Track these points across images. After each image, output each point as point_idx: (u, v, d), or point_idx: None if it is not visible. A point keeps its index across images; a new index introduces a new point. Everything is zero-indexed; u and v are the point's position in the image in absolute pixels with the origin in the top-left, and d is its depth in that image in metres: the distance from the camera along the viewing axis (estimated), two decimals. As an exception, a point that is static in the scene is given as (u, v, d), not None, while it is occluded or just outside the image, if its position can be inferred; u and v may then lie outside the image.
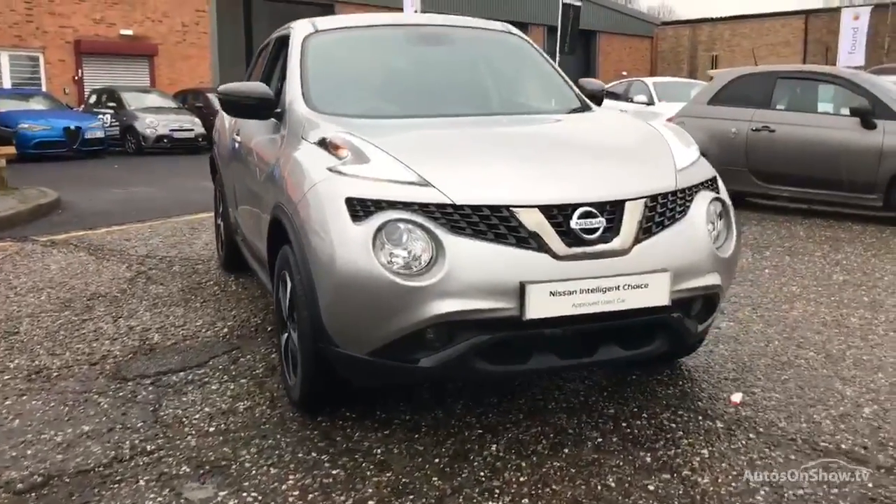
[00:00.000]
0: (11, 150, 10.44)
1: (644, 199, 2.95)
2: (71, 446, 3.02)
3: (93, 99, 20.29)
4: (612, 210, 2.88)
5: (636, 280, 2.84)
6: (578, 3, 24.13)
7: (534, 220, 2.78)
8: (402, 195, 2.82)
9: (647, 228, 2.93)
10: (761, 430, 3.12)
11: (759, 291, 5.20)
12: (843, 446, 2.97)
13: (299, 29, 4.18)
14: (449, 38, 4.30)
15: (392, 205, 2.80)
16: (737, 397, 3.43)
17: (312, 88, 3.78)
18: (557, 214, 2.82)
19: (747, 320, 4.56)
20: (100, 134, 17.84)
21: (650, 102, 14.98)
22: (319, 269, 2.88)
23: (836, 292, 5.19)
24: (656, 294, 2.87)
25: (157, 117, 18.58)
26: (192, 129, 18.95)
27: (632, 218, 2.89)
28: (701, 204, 3.11)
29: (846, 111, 8.24)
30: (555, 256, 2.77)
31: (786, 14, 42.09)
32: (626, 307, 2.84)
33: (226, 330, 4.41)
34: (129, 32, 23.63)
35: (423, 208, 2.79)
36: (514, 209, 2.79)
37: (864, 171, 7.97)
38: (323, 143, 3.17)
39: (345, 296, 2.83)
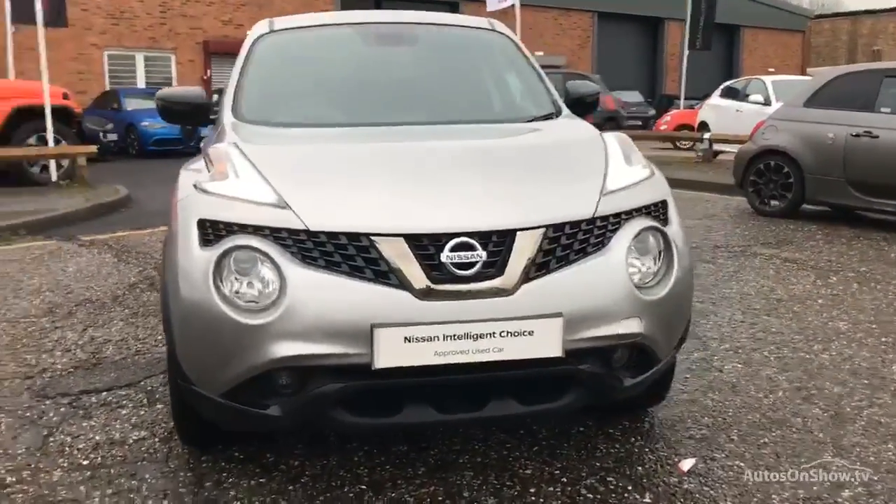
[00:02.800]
0: (92, 149, 10.84)
1: (543, 229, 2.46)
2: (-66, 473, 2.87)
3: (215, 98, 21.02)
4: (500, 241, 2.42)
5: (517, 326, 2.36)
6: (714, -6, 22.77)
7: (396, 252, 2.36)
8: (256, 218, 2.47)
9: (544, 264, 2.44)
10: (694, 511, 2.56)
11: (796, 326, 4.48)
12: (786, 544, 2.38)
13: (256, 29, 3.92)
14: (415, 37, 3.89)
15: (243, 228, 2.46)
16: (686, 464, 2.86)
17: (246, 93, 3.51)
18: (428, 245, 2.38)
19: (761, 362, 3.90)
20: (216, 132, 18.45)
21: (766, 103, 13.81)
22: (171, 296, 2.58)
23: (894, 331, 4.40)
24: (544, 343, 2.38)
25: (270, 115, 18.95)
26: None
27: (522, 251, 2.41)
28: (626, 234, 2.58)
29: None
30: (417, 295, 2.34)
31: (961, 3, 38.43)
32: (505, 357, 2.37)
33: (183, 346, 4.21)
34: (257, 33, 24.37)
35: (275, 234, 2.43)
36: (374, 238, 2.38)
37: (980, 185, 6.89)
38: (206, 155, 2.88)
39: (189, 329, 2.52)
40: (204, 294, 2.41)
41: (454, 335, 2.33)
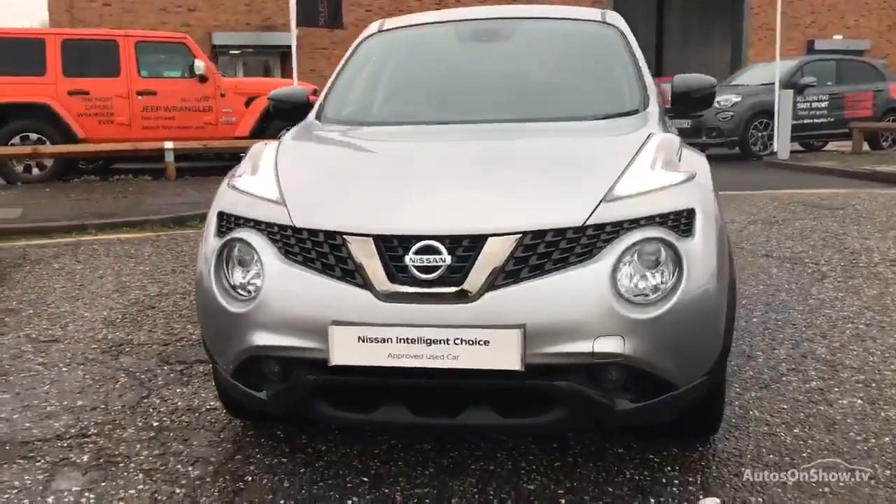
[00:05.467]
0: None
1: (518, 236, 2.34)
2: (49, 417, 3.37)
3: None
4: (471, 246, 2.35)
5: (472, 334, 2.28)
6: None
7: (363, 252, 2.40)
8: (256, 213, 2.66)
9: (514, 272, 2.33)
10: (681, 557, 2.30)
11: (968, 362, 3.75)
12: None
13: (367, 29, 4.08)
14: (511, 33, 3.81)
15: (247, 222, 2.66)
16: (707, 503, 2.57)
17: (336, 92, 3.69)
18: (397, 247, 2.39)
19: (890, 401, 3.33)
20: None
21: None
22: (197, 277, 2.84)
23: None
24: (501, 355, 2.28)
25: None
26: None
27: (490, 258, 2.33)
28: (622, 244, 2.37)
29: None
30: (377, 296, 2.36)
31: None
32: (459, 366, 2.30)
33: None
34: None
35: (269, 229, 2.59)
36: (347, 237, 2.43)
37: None
38: (257, 152, 3.10)
39: (201, 310, 2.78)
40: (207, 281, 2.64)
41: (407, 338, 2.32)
